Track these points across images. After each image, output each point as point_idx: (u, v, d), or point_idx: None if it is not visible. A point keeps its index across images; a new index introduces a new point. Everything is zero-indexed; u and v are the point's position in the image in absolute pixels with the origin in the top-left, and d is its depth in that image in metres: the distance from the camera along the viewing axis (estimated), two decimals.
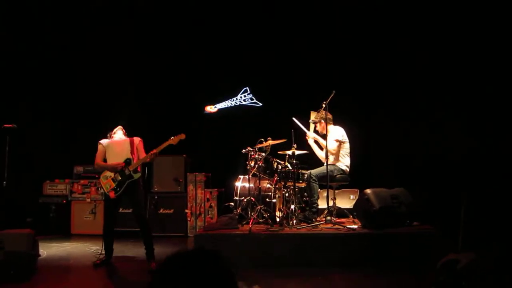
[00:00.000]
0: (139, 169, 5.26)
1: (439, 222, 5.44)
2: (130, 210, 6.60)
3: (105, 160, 5.34)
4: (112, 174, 5.21)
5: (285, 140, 5.92)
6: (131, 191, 5.18)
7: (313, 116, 6.18)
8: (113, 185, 5.18)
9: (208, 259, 1.22)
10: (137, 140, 5.40)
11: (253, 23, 7.87)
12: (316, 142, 6.28)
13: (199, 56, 8.16)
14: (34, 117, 7.82)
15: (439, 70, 6.95)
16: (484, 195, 5.99)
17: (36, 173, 7.74)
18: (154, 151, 5.08)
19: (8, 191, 5.96)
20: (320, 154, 6.25)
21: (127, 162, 5.20)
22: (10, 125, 5.67)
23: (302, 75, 7.65)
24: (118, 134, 5.45)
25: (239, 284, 1.24)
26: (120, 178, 5.17)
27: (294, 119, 6.25)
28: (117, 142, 5.39)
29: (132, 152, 5.29)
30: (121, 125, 5.53)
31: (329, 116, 6.02)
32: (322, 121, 6.10)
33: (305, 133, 6.26)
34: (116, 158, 5.28)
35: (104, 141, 5.41)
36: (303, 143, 6.26)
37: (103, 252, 5.36)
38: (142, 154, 5.27)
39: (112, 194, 5.18)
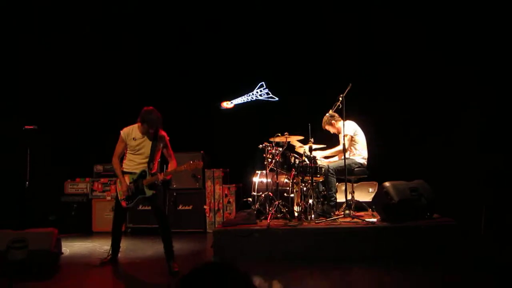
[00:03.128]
0: (155, 169, 5.00)
1: (459, 214, 5.36)
2: (150, 207, 6.69)
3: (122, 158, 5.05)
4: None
5: (303, 137, 5.90)
6: (148, 199, 4.96)
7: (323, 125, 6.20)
8: (127, 194, 4.92)
9: (225, 273, 1.22)
10: (163, 139, 4.96)
11: (268, 16, 7.83)
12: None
13: (215, 51, 8.16)
14: (54, 117, 7.93)
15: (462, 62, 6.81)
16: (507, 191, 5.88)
17: (58, 172, 7.87)
18: (168, 177, 4.91)
19: (31, 191, 6.09)
20: (325, 154, 6.29)
21: (142, 175, 4.87)
22: (31, 126, 5.77)
23: (319, 68, 7.59)
24: (152, 125, 4.80)
25: (258, 280, 1.26)
26: (133, 190, 4.89)
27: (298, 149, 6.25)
28: (141, 138, 4.90)
29: (154, 156, 4.91)
30: (156, 111, 4.83)
31: (333, 114, 6.00)
32: (332, 122, 6.12)
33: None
34: (135, 158, 4.95)
35: (126, 132, 4.95)
36: (320, 137, 6.22)
37: (110, 251, 5.26)
38: (170, 158, 5.00)
39: (123, 204, 4.97)
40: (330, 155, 6.24)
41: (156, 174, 4.91)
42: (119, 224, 5.32)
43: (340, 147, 5.96)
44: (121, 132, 4.99)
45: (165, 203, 5.80)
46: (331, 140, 6.42)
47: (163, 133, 4.99)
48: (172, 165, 5.01)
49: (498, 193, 5.89)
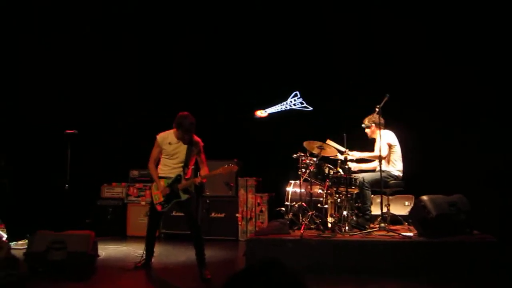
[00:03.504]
0: (189, 174, 5.10)
1: (500, 231, 5.17)
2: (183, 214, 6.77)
3: (158, 162, 5.11)
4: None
5: (338, 151, 5.85)
6: (183, 203, 5.03)
7: (366, 120, 6.06)
8: (162, 199, 4.99)
9: (276, 271, 1.20)
10: (198, 144, 5.05)
11: (303, 26, 7.84)
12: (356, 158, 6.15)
13: (250, 60, 8.22)
14: (92, 122, 8.15)
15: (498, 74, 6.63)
16: None
17: (95, 176, 8.07)
18: (204, 180, 5.02)
19: (69, 193, 6.27)
20: (370, 165, 6.15)
21: (177, 179, 4.95)
22: (72, 131, 5.96)
23: (354, 78, 7.52)
24: (187, 130, 4.87)
25: None
26: (168, 193, 4.97)
27: (329, 141, 6.06)
28: (176, 143, 4.99)
29: (188, 161, 5.01)
30: (191, 116, 4.90)
31: (382, 120, 5.87)
32: (373, 125, 5.99)
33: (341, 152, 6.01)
34: (170, 163, 5.04)
35: (162, 136, 5.05)
36: (354, 147, 6.13)
37: (144, 255, 5.34)
38: (202, 164, 5.11)
39: (159, 208, 5.03)
40: (365, 157, 6.10)
41: (191, 179, 5.03)
42: (154, 229, 5.39)
43: (376, 153, 5.84)
44: (157, 136, 5.10)
45: (197, 210, 5.83)
46: (365, 149, 6.32)
47: (198, 139, 5.09)
48: (204, 171, 5.10)
49: None
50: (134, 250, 6.51)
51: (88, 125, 7.55)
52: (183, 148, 4.99)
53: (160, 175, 5.08)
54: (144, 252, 5.36)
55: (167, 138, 5.04)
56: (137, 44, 8.50)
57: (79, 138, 6.12)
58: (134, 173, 8.14)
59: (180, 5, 8.33)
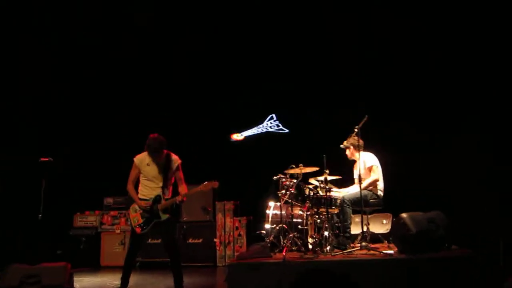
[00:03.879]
0: (169, 194, 5.08)
1: (478, 247, 5.29)
2: (159, 241, 6.66)
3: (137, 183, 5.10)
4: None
5: (318, 168, 5.88)
6: (163, 224, 4.99)
7: (346, 141, 6.15)
8: (141, 220, 4.97)
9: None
10: (175, 162, 5.05)
11: (277, 48, 7.96)
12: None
13: (224, 84, 8.26)
14: (62, 150, 7.94)
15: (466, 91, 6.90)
16: None
17: (67, 205, 7.82)
18: (184, 198, 4.97)
19: (41, 223, 6.03)
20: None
21: (157, 199, 4.96)
22: (46, 159, 5.78)
23: (331, 99, 7.66)
24: (155, 150, 4.91)
25: None
26: (147, 215, 4.96)
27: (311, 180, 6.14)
28: (153, 163, 4.99)
29: (167, 181, 5.01)
30: (159, 136, 4.94)
31: (361, 142, 5.97)
32: (352, 147, 6.08)
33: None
34: (149, 184, 5.03)
35: (139, 158, 5.06)
36: (334, 168, 6.18)
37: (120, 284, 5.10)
38: (180, 182, 5.08)
39: (138, 230, 4.99)
40: (365, 187, 6.11)
41: (170, 199, 4.99)
42: (133, 255, 5.20)
43: (374, 177, 5.91)
44: (134, 159, 5.10)
45: (175, 235, 5.73)
46: (345, 170, 6.38)
47: (175, 157, 5.10)
48: (183, 189, 5.07)
49: None
50: (110, 281, 6.30)
51: (59, 151, 7.35)
52: (161, 168, 4.99)
53: (140, 197, 5.04)
54: (121, 280, 5.10)
55: (144, 159, 5.04)
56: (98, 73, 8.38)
57: (53, 165, 5.92)
58: (109, 200, 7.95)
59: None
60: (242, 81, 8.19)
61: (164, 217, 4.94)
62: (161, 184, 5.00)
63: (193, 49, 8.29)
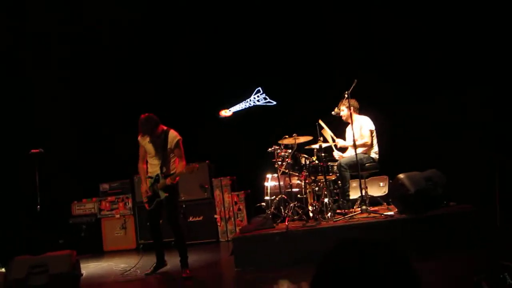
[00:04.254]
0: (170, 170, 5.09)
1: (474, 200, 5.39)
2: (160, 222, 6.68)
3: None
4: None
5: (312, 137, 5.89)
6: (162, 203, 5.09)
7: (337, 107, 6.12)
8: (146, 196, 5.15)
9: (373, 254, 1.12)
10: (174, 139, 5.03)
11: (257, 20, 7.83)
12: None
13: (208, 60, 8.15)
14: (55, 139, 7.85)
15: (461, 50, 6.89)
16: None
17: (64, 194, 7.77)
18: (174, 181, 5.00)
19: (40, 214, 6.01)
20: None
21: (156, 179, 5.06)
22: (37, 150, 5.71)
23: (316, 67, 7.60)
24: (146, 130, 4.97)
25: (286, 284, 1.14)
26: (151, 193, 5.10)
27: (320, 122, 6.02)
28: (151, 141, 5.04)
29: (165, 158, 5.04)
30: (149, 116, 4.97)
31: (356, 104, 5.96)
32: (346, 109, 6.04)
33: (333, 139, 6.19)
34: (152, 161, 5.15)
35: (141, 138, 5.13)
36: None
37: (155, 261, 5.34)
38: (180, 159, 5.06)
39: (147, 206, 5.19)
40: (357, 146, 6.15)
41: (166, 177, 5.02)
42: (155, 233, 5.29)
43: (366, 140, 5.92)
44: (138, 137, 5.19)
45: (179, 212, 5.77)
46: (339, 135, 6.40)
47: (174, 133, 5.11)
48: (180, 167, 5.05)
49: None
50: (116, 265, 6.34)
51: (51, 141, 7.26)
52: (157, 146, 5.06)
53: (148, 174, 5.21)
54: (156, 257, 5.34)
55: (146, 138, 5.10)
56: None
57: (44, 156, 5.85)
58: (105, 186, 7.90)
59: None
60: (227, 56, 8.06)
61: (162, 195, 5.03)
62: (159, 163, 5.06)
63: (180, 32, 8.14)
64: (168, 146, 5.04)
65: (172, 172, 5.09)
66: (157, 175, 5.07)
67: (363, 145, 5.96)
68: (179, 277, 5.04)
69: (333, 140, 6.15)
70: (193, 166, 4.91)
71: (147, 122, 4.92)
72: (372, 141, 5.99)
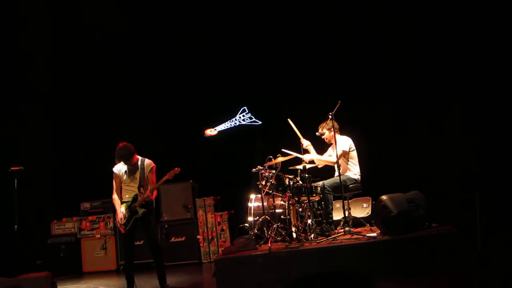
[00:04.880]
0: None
1: (456, 222, 5.42)
2: (141, 242, 6.75)
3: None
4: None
5: (295, 155, 5.90)
6: (141, 220, 5.30)
7: (320, 128, 6.16)
8: (124, 221, 5.31)
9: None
10: (148, 167, 5.44)
11: (244, 38, 7.90)
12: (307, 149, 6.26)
13: (194, 80, 8.17)
14: (34, 157, 7.72)
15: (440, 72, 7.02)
16: (498, 189, 6.02)
17: (42, 213, 7.62)
18: (152, 196, 5.31)
19: (18, 234, 5.85)
20: (319, 158, 6.25)
21: (134, 198, 5.33)
22: (17, 168, 5.61)
23: (303, 87, 7.65)
24: (126, 158, 5.34)
25: None
26: (128, 214, 5.31)
27: (289, 120, 6.17)
28: (129, 170, 5.40)
29: (142, 182, 5.38)
30: (126, 145, 5.37)
31: (336, 126, 6.01)
32: (327, 131, 6.10)
33: (299, 138, 6.23)
34: (129, 189, 5.41)
35: (116, 168, 5.45)
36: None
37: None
38: (152, 184, 5.39)
39: (122, 229, 5.36)
40: (322, 161, 6.21)
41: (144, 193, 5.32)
42: (128, 257, 5.44)
43: (333, 159, 5.95)
44: (113, 169, 5.48)
45: (157, 232, 6.12)
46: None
47: (148, 161, 5.51)
48: (150, 189, 5.35)
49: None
50: (94, 287, 6.19)
51: (31, 159, 7.14)
52: (136, 172, 5.42)
53: (123, 200, 5.44)
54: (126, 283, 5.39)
55: (121, 168, 5.46)
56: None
57: (24, 174, 5.74)
58: (86, 205, 7.79)
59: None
60: (213, 76, 8.10)
61: (140, 211, 5.28)
62: (137, 185, 5.39)
63: (165, 45, 8.16)
64: (145, 172, 5.40)
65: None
66: (136, 194, 5.34)
67: (329, 162, 6.07)
68: None
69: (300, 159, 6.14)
70: (174, 171, 5.27)
71: (129, 151, 5.33)
72: (345, 162, 6.03)
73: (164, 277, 5.33)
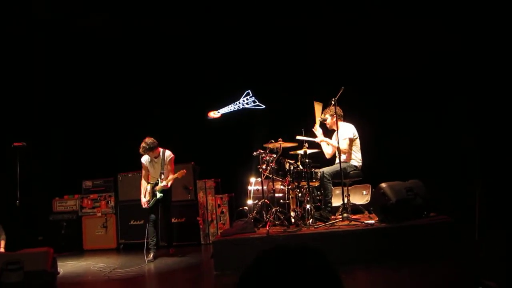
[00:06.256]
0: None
1: (454, 212, 5.44)
2: (141, 222, 7.36)
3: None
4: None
5: (296, 144, 5.90)
6: (162, 202, 6.41)
7: (321, 113, 6.13)
8: (149, 198, 6.39)
9: (312, 257, 1.15)
10: (168, 157, 6.46)
11: (250, 23, 7.84)
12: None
13: (199, 61, 8.13)
14: (39, 134, 7.76)
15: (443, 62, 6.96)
16: (498, 182, 6.01)
17: (45, 190, 7.69)
18: (166, 186, 6.34)
19: (20, 210, 5.92)
20: (327, 151, 6.25)
21: (156, 184, 6.40)
22: (20, 143, 5.64)
23: (307, 72, 7.60)
24: (152, 150, 6.32)
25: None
26: (151, 194, 6.39)
27: (298, 137, 6.04)
28: (153, 160, 6.47)
29: (164, 169, 6.40)
30: (152, 139, 6.30)
31: (340, 112, 5.99)
32: (330, 116, 6.07)
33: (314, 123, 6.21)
34: (153, 174, 6.52)
35: (144, 159, 6.50)
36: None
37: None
38: (171, 173, 6.45)
39: (146, 204, 6.40)
40: (327, 142, 6.18)
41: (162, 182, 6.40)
42: (155, 221, 6.43)
43: (335, 144, 5.92)
44: (141, 159, 6.53)
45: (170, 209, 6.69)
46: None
47: (168, 152, 6.50)
48: (173, 175, 6.44)
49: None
50: (94, 264, 6.27)
51: (35, 135, 7.18)
52: (158, 161, 6.47)
53: (150, 181, 6.53)
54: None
55: (148, 159, 6.49)
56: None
57: (27, 150, 5.78)
58: (87, 183, 7.84)
59: None
60: (218, 58, 8.06)
61: (159, 195, 6.33)
62: (159, 172, 6.41)
63: (167, 28, 8.10)
64: (165, 163, 6.42)
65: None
66: (157, 180, 6.39)
67: (333, 147, 6.05)
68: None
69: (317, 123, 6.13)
70: (182, 172, 6.38)
71: (154, 143, 6.33)
72: (350, 149, 6.02)
73: (172, 242, 6.57)
